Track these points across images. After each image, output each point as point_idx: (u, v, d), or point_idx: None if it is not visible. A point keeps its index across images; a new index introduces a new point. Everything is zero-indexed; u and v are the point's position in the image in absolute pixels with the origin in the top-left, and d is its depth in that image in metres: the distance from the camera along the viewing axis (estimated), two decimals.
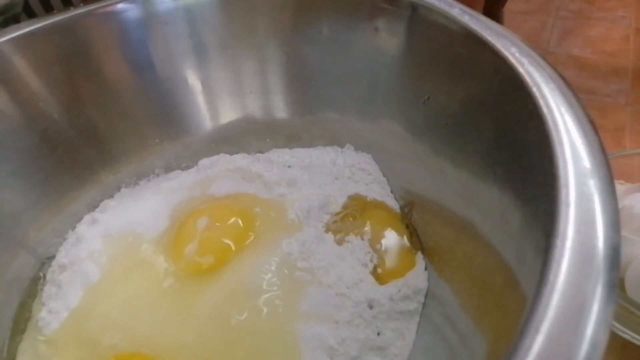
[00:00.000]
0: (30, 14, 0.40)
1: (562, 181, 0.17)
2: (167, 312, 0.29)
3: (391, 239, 0.32)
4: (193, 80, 0.38)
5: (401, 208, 0.35)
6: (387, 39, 0.33)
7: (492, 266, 0.23)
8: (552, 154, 0.18)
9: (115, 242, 0.33)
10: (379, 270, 0.30)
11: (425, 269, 0.31)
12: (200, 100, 0.39)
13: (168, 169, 0.40)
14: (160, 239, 0.33)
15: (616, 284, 0.14)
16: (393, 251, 0.32)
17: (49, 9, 0.40)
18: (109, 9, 0.34)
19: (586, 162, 0.17)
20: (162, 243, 0.32)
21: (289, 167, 0.39)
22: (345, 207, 0.34)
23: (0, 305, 0.30)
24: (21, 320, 0.31)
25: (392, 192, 0.36)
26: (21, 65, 0.32)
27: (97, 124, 0.36)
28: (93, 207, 0.36)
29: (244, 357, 0.27)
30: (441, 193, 0.31)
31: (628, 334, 0.27)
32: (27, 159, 0.33)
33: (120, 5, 0.34)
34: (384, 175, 0.37)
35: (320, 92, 0.38)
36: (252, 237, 0.32)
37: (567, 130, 0.18)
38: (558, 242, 0.15)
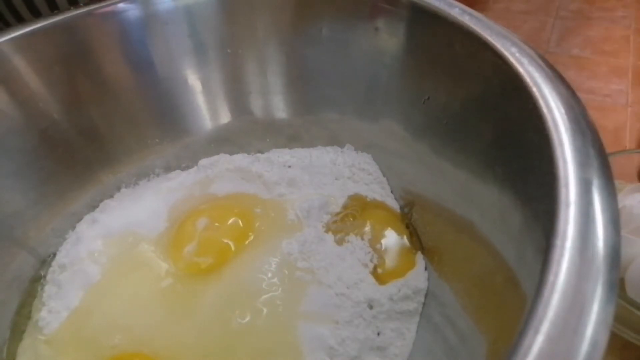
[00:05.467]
0: (19, 18, 0.39)
1: (562, 181, 0.17)
2: (167, 313, 0.29)
3: (391, 239, 0.32)
4: (193, 80, 0.38)
5: (401, 208, 0.35)
6: (387, 39, 0.33)
7: (492, 266, 0.23)
8: (552, 154, 0.18)
9: (115, 242, 0.33)
10: (379, 270, 0.30)
11: (425, 269, 0.31)
12: (200, 100, 0.39)
13: (168, 169, 0.40)
14: (160, 239, 0.33)
15: (616, 284, 0.14)
16: (393, 251, 0.32)
17: (36, 13, 0.39)
18: (109, 9, 0.34)
19: (586, 162, 0.17)
20: (162, 243, 0.32)
21: (289, 167, 0.39)
22: (345, 207, 0.34)
23: (0, 305, 0.30)
24: (21, 320, 0.31)
25: (392, 192, 0.36)
26: (21, 65, 0.32)
27: (97, 124, 0.36)
28: (93, 207, 0.36)
29: (244, 357, 0.27)
30: (441, 193, 0.31)
31: (628, 334, 0.27)
32: (27, 159, 0.33)
33: (120, 5, 0.34)
34: (384, 175, 0.37)
35: (320, 92, 0.38)
36: (252, 237, 0.32)
37: (567, 130, 0.18)
38: (558, 242, 0.15)
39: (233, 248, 0.31)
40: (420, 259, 0.31)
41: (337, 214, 0.34)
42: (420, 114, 0.31)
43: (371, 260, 0.31)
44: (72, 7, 0.33)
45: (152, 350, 0.27)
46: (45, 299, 0.31)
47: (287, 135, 0.41)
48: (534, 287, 0.15)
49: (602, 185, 0.16)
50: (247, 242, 0.32)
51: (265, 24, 0.37)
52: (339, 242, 0.32)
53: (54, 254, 0.34)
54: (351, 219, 0.33)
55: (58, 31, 0.33)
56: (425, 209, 0.33)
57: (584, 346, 0.13)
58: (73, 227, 0.35)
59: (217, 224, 0.33)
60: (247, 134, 0.41)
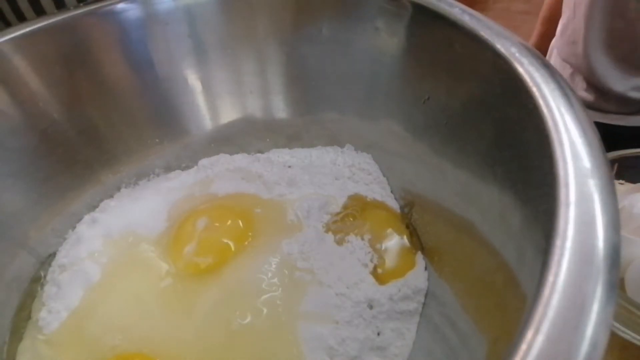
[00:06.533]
0: (21, 17, 0.39)
1: (562, 181, 0.17)
2: (167, 313, 0.29)
3: (391, 239, 0.32)
4: (193, 80, 0.38)
5: (401, 208, 0.35)
6: (387, 39, 0.33)
7: (492, 266, 0.23)
8: (552, 154, 0.18)
9: (115, 242, 0.33)
10: (379, 270, 0.30)
11: (425, 269, 0.31)
12: (200, 100, 0.39)
13: (168, 169, 0.40)
14: (160, 239, 0.33)
15: (616, 284, 0.14)
16: (393, 251, 0.32)
17: (40, 13, 0.39)
18: (109, 9, 0.34)
19: (586, 162, 0.17)
20: (162, 243, 0.32)
21: (289, 167, 0.39)
22: (345, 207, 0.34)
23: (0, 305, 0.30)
24: (21, 320, 0.31)
25: (392, 192, 0.36)
26: (21, 65, 0.32)
27: (97, 124, 0.36)
28: (93, 207, 0.36)
29: (244, 357, 0.27)
30: (441, 193, 0.31)
31: (628, 334, 0.27)
32: (27, 159, 0.33)
33: (120, 5, 0.34)
34: (384, 175, 0.37)
35: (320, 92, 0.38)
36: (252, 237, 0.32)
37: (567, 130, 0.18)
38: (558, 242, 0.15)
39: (233, 248, 0.31)
40: (420, 259, 0.31)
41: (337, 214, 0.34)
42: (420, 114, 0.31)
43: (371, 260, 0.31)
44: (79, 4, 0.33)
45: (152, 351, 0.27)
46: (45, 299, 0.31)
47: (287, 135, 0.41)
48: (534, 287, 0.15)
49: (602, 185, 0.16)
50: (247, 242, 0.32)
51: (265, 24, 0.37)
52: (339, 242, 0.32)
53: (54, 254, 0.34)
54: (351, 219, 0.33)
55: (58, 31, 0.33)
56: (425, 209, 0.33)
57: (584, 346, 0.13)
58: (73, 227, 0.35)
59: (217, 224, 0.33)
60: (247, 134, 0.41)
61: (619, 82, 0.53)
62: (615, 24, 0.50)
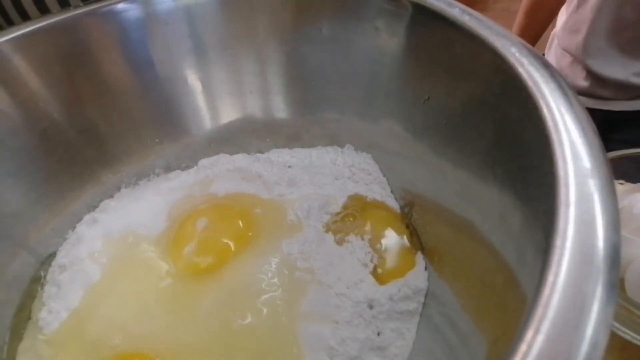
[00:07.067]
0: (24, 16, 0.39)
1: (562, 181, 0.17)
2: (167, 313, 0.29)
3: (391, 239, 0.32)
4: (193, 80, 0.38)
5: (401, 208, 0.35)
6: (387, 39, 0.33)
7: (492, 266, 0.23)
8: (552, 154, 0.18)
9: (115, 242, 0.33)
10: (379, 270, 0.30)
11: (425, 269, 0.31)
12: (200, 100, 0.39)
13: (168, 169, 0.40)
14: (161, 239, 0.33)
15: (616, 284, 0.14)
16: (393, 251, 0.32)
17: (44, 11, 0.39)
18: (109, 9, 0.34)
19: (586, 162, 0.17)
20: (162, 243, 0.32)
21: (289, 167, 0.39)
22: (345, 207, 0.34)
23: (0, 305, 0.30)
24: (21, 320, 0.31)
25: (392, 192, 0.36)
26: (21, 65, 0.32)
27: (97, 124, 0.36)
28: (93, 207, 0.36)
29: (244, 357, 0.27)
30: (441, 193, 0.31)
31: (628, 334, 0.27)
32: (27, 159, 0.33)
33: (120, 5, 0.34)
34: (384, 175, 0.37)
35: (320, 92, 0.38)
36: (252, 237, 0.32)
37: (567, 130, 0.18)
38: (558, 242, 0.15)
39: (233, 248, 0.31)
40: (420, 259, 0.31)
41: (337, 214, 0.34)
42: (420, 114, 0.31)
43: (371, 260, 0.31)
44: (81, 4, 0.33)
45: (152, 351, 0.27)
46: (45, 299, 0.31)
47: (287, 135, 0.41)
48: (534, 287, 0.15)
49: (602, 185, 0.16)
50: (246, 242, 0.32)
51: (265, 24, 0.37)
52: (339, 242, 0.32)
53: (54, 254, 0.34)
54: (351, 219, 0.33)
55: (58, 31, 0.33)
56: (425, 209, 0.33)
57: (584, 346, 0.13)
58: (73, 227, 0.35)
59: (217, 224, 0.33)
60: (247, 134, 0.41)
61: (621, 69, 0.54)
62: (624, 13, 0.51)
